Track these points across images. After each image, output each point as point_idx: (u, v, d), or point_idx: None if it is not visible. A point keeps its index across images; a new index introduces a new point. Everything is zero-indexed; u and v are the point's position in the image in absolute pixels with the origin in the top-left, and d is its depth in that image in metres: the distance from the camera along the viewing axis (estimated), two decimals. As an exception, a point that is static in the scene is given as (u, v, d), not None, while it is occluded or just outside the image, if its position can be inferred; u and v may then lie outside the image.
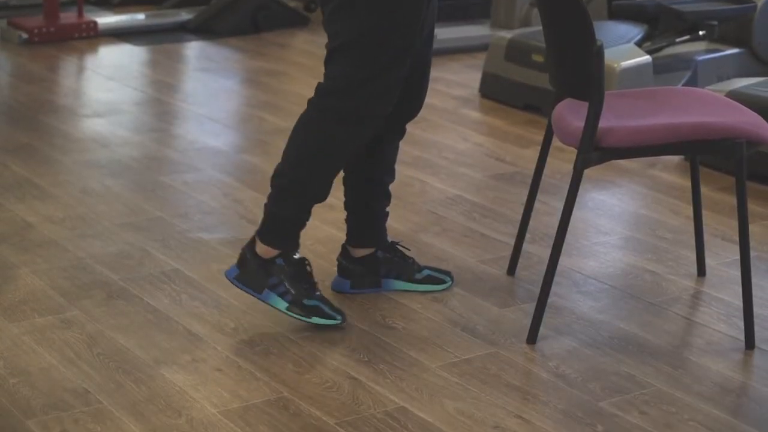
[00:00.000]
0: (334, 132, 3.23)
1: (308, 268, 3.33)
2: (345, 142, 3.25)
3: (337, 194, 4.25)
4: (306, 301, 3.30)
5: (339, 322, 3.32)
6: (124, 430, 2.82)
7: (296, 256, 3.32)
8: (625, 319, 3.43)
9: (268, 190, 3.40)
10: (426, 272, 3.57)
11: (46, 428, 2.81)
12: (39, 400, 2.93)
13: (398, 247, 3.57)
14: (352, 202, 3.53)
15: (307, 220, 3.34)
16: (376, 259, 3.53)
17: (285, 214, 3.29)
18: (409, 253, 3.62)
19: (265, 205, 3.32)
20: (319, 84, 3.24)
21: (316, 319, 3.30)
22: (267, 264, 3.30)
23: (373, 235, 3.55)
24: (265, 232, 3.30)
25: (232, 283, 3.34)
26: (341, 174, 3.46)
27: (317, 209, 4.13)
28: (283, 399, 2.97)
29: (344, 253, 3.55)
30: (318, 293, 3.33)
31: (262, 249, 3.30)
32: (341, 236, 3.59)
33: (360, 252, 3.53)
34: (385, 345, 3.25)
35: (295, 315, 3.29)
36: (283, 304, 3.29)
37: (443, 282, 3.58)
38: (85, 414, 2.88)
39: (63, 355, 3.16)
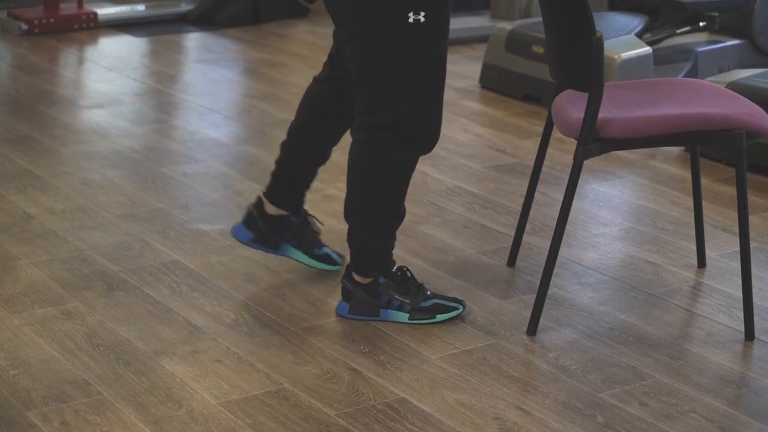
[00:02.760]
0: (399, 159, 3.23)
1: (409, 273, 3.36)
2: (409, 166, 3.25)
3: (336, 185, 4.26)
4: (423, 304, 3.31)
5: (461, 309, 3.34)
6: (124, 421, 2.82)
7: (394, 269, 3.34)
8: (625, 310, 3.44)
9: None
10: (325, 250, 3.58)
11: (47, 419, 2.82)
12: (39, 392, 2.93)
13: (312, 218, 3.58)
14: (286, 160, 3.50)
15: (393, 245, 3.36)
16: (287, 223, 3.52)
17: (379, 246, 3.32)
18: (317, 229, 3.61)
19: (347, 240, 3.32)
20: (365, 118, 3.20)
21: (440, 317, 3.32)
22: (372, 287, 3.32)
23: (293, 198, 3.53)
24: (362, 266, 3.32)
25: (348, 318, 3.33)
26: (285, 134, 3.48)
27: (316, 200, 4.14)
28: (283, 390, 2.97)
29: (258, 204, 3.53)
30: (429, 292, 3.35)
31: (360, 277, 3.32)
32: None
33: (273, 209, 3.52)
34: (385, 336, 3.25)
35: (420, 321, 3.31)
36: (404, 316, 3.31)
37: (336, 264, 3.58)
38: (86, 405, 2.88)
39: (63, 346, 3.16)
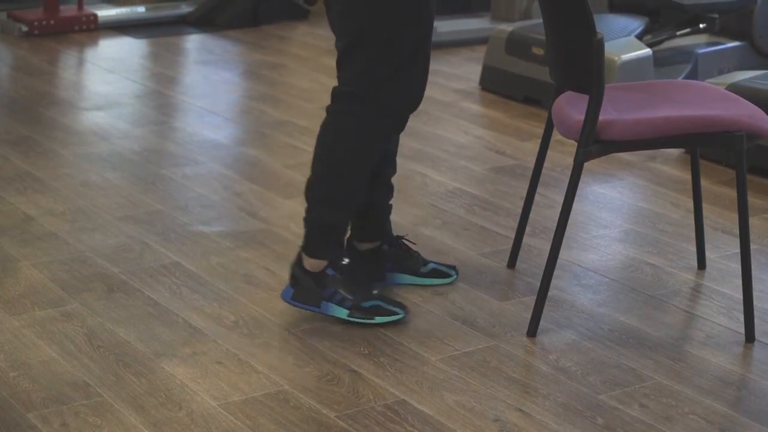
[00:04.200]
0: (364, 135, 3.23)
1: (358, 269, 3.35)
2: (377, 143, 3.25)
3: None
4: (365, 303, 3.30)
5: (402, 315, 3.32)
6: (124, 422, 2.82)
7: (344, 262, 3.33)
8: (626, 312, 3.44)
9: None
10: (431, 266, 3.57)
11: (47, 421, 2.82)
12: (39, 393, 2.93)
13: (403, 241, 3.57)
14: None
15: (348, 225, 3.34)
16: (382, 253, 3.53)
17: (327, 224, 3.29)
18: (414, 247, 3.62)
19: (305, 219, 3.31)
20: (337, 89, 3.23)
21: (379, 319, 3.30)
22: (319, 277, 3.30)
23: (377, 229, 3.54)
24: (310, 247, 3.30)
25: (290, 303, 3.33)
26: None
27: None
28: (284, 392, 2.97)
29: (349, 247, 3.54)
30: (375, 292, 3.34)
31: (310, 264, 3.31)
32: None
33: (365, 246, 3.53)
34: (386, 338, 3.25)
35: (357, 320, 3.30)
36: (343, 312, 3.30)
37: (448, 276, 3.58)
38: (86, 407, 2.88)
39: (63, 348, 3.16)
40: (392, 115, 3.22)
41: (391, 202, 3.54)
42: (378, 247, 3.52)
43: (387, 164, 3.49)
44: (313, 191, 3.28)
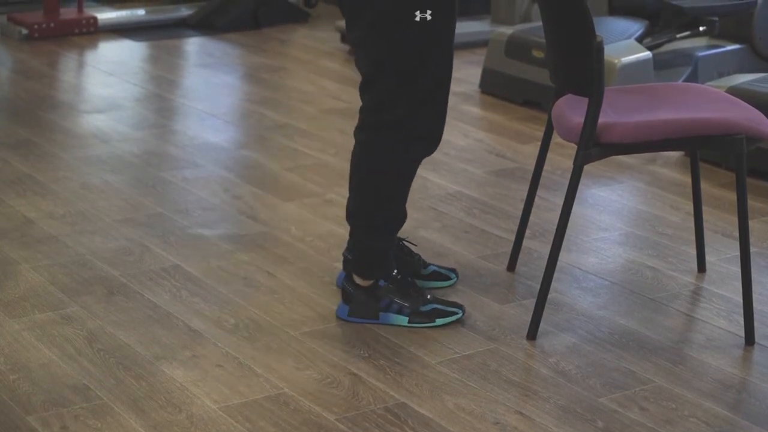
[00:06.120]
0: (401, 162, 3.23)
1: (409, 277, 3.35)
2: (414, 166, 3.26)
3: (336, 189, 4.26)
4: (423, 308, 3.31)
5: (461, 314, 3.34)
6: (124, 425, 2.82)
7: (394, 272, 3.34)
8: (626, 315, 3.44)
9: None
10: (432, 268, 3.57)
11: (47, 424, 2.81)
12: (39, 396, 2.93)
13: (404, 243, 3.57)
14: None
15: (396, 242, 3.35)
16: None
17: (375, 249, 3.31)
18: (415, 249, 3.62)
19: (350, 243, 3.32)
20: (368, 117, 3.21)
21: (440, 321, 3.32)
22: (372, 290, 3.31)
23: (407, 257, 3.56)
24: (363, 269, 3.32)
25: (348, 321, 3.34)
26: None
27: (316, 205, 4.15)
28: (284, 395, 2.97)
29: (350, 247, 3.54)
30: (429, 296, 3.35)
31: (361, 279, 3.32)
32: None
33: None
34: (385, 341, 3.25)
35: (419, 325, 3.31)
36: (404, 320, 3.31)
37: (448, 278, 3.58)
38: (86, 410, 2.88)
39: (63, 351, 3.16)
40: (426, 138, 3.22)
41: None
42: None
43: None
44: (355, 219, 3.30)
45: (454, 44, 3.19)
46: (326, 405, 2.92)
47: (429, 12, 3.07)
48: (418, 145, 3.22)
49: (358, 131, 3.24)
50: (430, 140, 3.23)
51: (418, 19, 3.07)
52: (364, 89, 3.21)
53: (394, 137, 3.19)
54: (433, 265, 3.59)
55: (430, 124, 3.20)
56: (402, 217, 3.31)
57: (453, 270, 3.61)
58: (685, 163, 4.68)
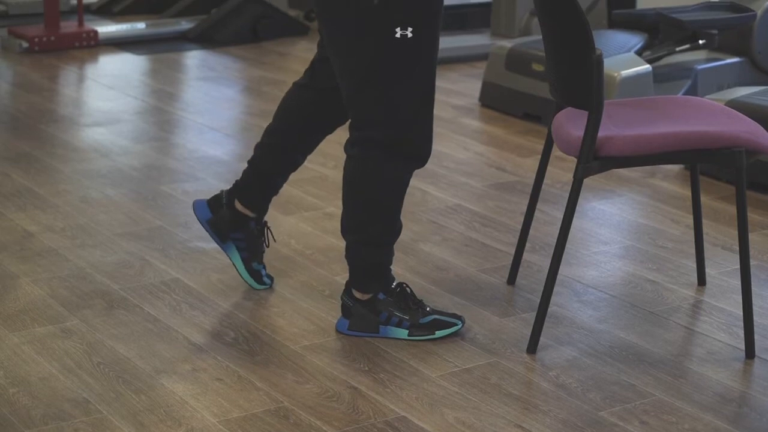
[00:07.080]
0: (392, 177, 3.23)
1: (408, 290, 3.35)
2: (406, 179, 3.26)
3: (336, 202, 4.26)
4: (422, 321, 3.31)
5: (461, 325, 3.34)
6: (124, 439, 2.82)
7: (393, 285, 3.34)
8: (626, 328, 3.43)
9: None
10: (260, 267, 3.58)
11: (46, 438, 2.81)
12: (39, 410, 2.93)
13: (267, 231, 3.58)
14: (260, 163, 3.51)
15: (392, 255, 3.35)
16: (247, 227, 3.54)
17: (370, 263, 3.31)
18: (266, 244, 3.62)
19: (347, 257, 3.32)
20: (357, 134, 3.20)
21: (440, 333, 3.32)
22: (371, 303, 3.31)
23: (263, 202, 3.55)
24: (361, 283, 3.32)
25: (348, 334, 3.33)
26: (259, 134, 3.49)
27: (315, 218, 4.14)
28: (284, 409, 2.97)
29: (230, 195, 3.54)
30: (428, 308, 3.34)
31: (360, 293, 3.32)
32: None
33: (241, 208, 3.53)
34: (386, 354, 3.25)
35: (419, 338, 3.31)
36: (403, 333, 3.31)
37: (263, 284, 3.59)
38: (85, 424, 2.88)
39: (63, 364, 3.16)
40: (413, 156, 3.22)
41: (285, 183, 3.56)
42: (248, 219, 3.53)
43: (305, 154, 3.52)
44: (350, 233, 3.30)
45: (437, 60, 3.18)
46: (326, 419, 2.92)
47: (410, 29, 3.06)
48: (405, 161, 3.22)
49: (348, 146, 3.24)
50: (418, 158, 3.23)
51: (398, 36, 3.07)
52: (347, 105, 3.21)
53: (380, 154, 3.19)
54: (264, 267, 3.61)
55: (416, 143, 3.19)
56: (397, 229, 3.30)
57: (272, 278, 3.63)
58: (685, 177, 4.69)
